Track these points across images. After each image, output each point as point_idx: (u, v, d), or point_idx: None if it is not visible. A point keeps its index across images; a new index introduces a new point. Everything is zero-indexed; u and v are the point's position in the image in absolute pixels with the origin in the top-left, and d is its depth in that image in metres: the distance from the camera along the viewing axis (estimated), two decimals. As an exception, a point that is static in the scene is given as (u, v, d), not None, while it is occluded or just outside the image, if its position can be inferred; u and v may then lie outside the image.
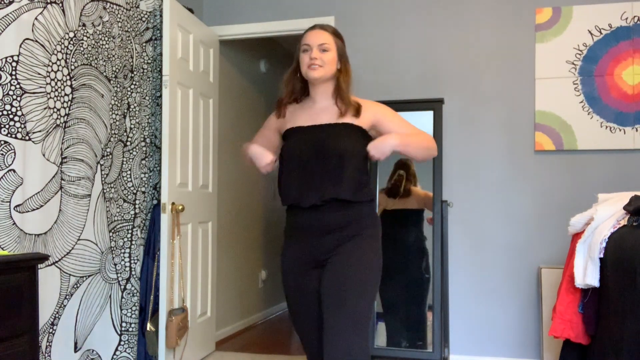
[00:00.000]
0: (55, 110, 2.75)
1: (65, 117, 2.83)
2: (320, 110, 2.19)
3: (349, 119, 2.15)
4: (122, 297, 3.28)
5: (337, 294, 2.00)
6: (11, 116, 2.49)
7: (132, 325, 3.34)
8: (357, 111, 2.17)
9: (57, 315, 2.79)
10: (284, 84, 2.25)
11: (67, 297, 2.85)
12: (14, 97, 2.51)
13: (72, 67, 2.88)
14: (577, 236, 2.66)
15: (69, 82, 2.86)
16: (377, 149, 2.05)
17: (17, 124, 2.53)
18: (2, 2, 2.46)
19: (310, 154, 2.10)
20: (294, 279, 2.15)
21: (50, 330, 2.74)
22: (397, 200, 3.76)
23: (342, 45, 2.20)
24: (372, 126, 2.20)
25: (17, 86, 2.53)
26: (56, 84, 2.76)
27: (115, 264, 3.23)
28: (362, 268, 2.05)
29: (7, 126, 2.47)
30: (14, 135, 2.51)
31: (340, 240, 2.09)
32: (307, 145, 2.11)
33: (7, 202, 2.47)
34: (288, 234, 2.21)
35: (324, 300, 2.03)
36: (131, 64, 3.39)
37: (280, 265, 2.22)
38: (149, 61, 3.56)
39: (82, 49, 2.96)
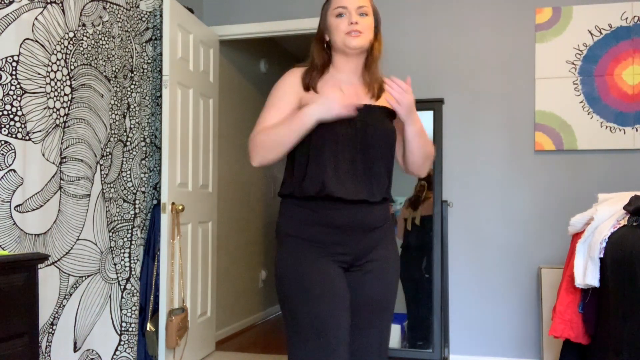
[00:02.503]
0: (55, 110, 2.75)
1: (65, 117, 2.83)
2: (354, 87, 1.84)
3: (381, 102, 1.84)
4: (122, 297, 3.28)
5: (379, 310, 1.82)
6: (11, 116, 2.49)
7: (132, 325, 3.34)
8: (381, 92, 1.85)
9: (56, 315, 2.79)
10: (316, 55, 1.87)
11: (66, 297, 2.85)
12: (14, 97, 2.51)
13: (72, 67, 2.88)
14: (577, 236, 2.66)
15: (68, 82, 2.86)
16: (406, 105, 1.73)
17: (17, 124, 2.53)
18: (2, 2, 2.46)
19: (352, 139, 1.76)
20: (318, 271, 1.73)
21: (50, 330, 2.74)
22: (417, 211, 3.78)
23: (377, 10, 1.89)
24: None
25: (17, 86, 2.53)
26: (56, 84, 2.76)
27: (115, 264, 3.23)
28: (396, 278, 1.87)
29: (7, 126, 2.47)
30: (14, 135, 2.51)
31: (376, 242, 1.82)
32: (346, 128, 1.75)
33: (7, 202, 2.47)
34: (302, 232, 1.78)
35: (362, 312, 1.80)
36: (131, 64, 3.39)
37: (281, 267, 1.78)
38: (149, 61, 3.56)
39: (82, 49, 2.96)
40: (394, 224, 1.98)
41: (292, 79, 1.86)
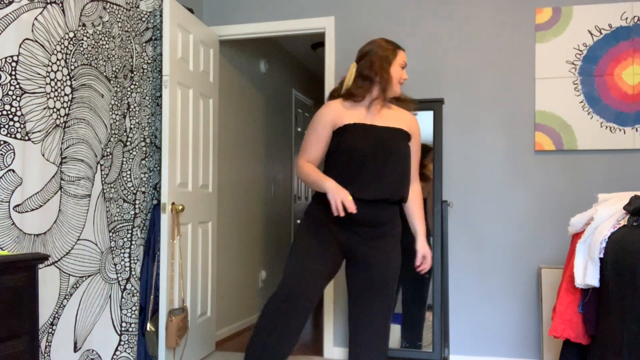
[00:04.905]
0: (55, 110, 2.75)
1: (65, 117, 2.83)
2: (376, 112, 2.41)
3: (402, 125, 2.43)
4: (122, 297, 3.28)
5: (380, 290, 2.35)
6: (11, 116, 2.49)
7: (132, 325, 3.34)
8: (406, 120, 2.46)
9: (56, 316, 2.79)
10: (358, 90, 2.39)
11: (67, 297, 2.85)
12: (14, 97, 2.51)
13: (72, 67, 2.88)
14: (577, 236, 2.66)
15: (68, 82, 2.86)
16: (429, 260, 2.45)
17: (17, 124, 2.53)
18: (2, 2, 2.46)
19: (375, 152, 2.30)
20: (322, 237, 2.34)
21: (50, 330, 2.74)
22: None
23: None
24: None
25: (17, 86, 2.53)
26: (56, 84, 2.76)
27: (115, 264, 3.23)
28: (397, 266, 2.41)
29: (6, 126, 2.47)
30: (13, 135, 2.51)
31: (379, 235, 2.36)
32: (372, 143, 2.31)
33: (6, 202, 2.47)
34: (322, 219, 2.37)
35: (364, 290, 2.35)
36: (131, 64, 3.39)
37: (308, 218, 2.40)
38: (149, 61, 3.56)
39: (82, 49, 2.96)
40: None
41: (329, 110, 2.40)
